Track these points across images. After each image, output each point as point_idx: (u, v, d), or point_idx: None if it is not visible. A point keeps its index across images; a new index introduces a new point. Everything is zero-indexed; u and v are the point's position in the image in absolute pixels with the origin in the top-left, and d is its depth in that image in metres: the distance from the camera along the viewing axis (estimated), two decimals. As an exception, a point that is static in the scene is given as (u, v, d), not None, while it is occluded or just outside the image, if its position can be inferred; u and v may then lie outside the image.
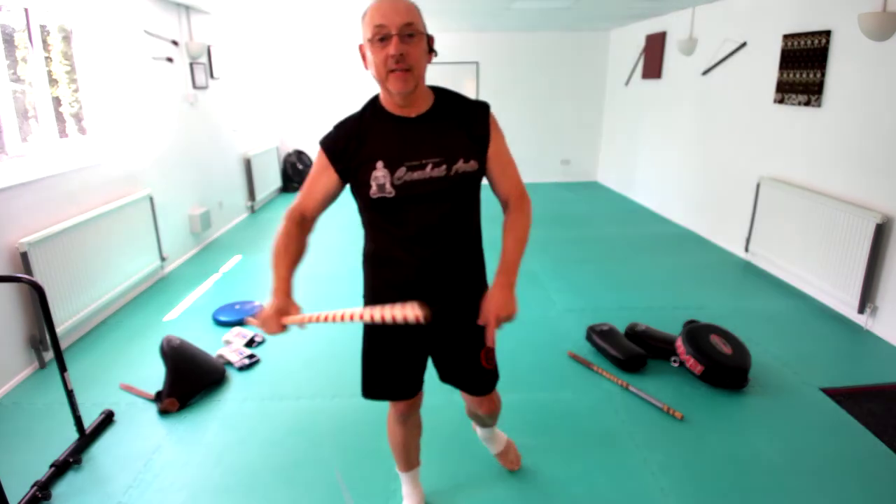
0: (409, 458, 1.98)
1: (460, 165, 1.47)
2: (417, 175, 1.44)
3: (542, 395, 2.81)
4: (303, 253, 1.54)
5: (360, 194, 1.50)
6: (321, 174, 1.51)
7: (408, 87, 1.38)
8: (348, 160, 1.47)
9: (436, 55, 1.48)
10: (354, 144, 1.47)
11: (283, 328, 1.39)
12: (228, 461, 2.36)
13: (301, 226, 1.54)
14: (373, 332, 1.67)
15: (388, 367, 1.70)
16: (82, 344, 3.40)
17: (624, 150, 7.61)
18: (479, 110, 1.53)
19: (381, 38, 1.35)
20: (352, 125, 1.50)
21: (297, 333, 3.57)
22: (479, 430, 2.28)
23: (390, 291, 1.55)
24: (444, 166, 1.45)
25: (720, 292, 4.11)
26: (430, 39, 1.44)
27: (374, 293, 1.63)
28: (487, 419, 1.98)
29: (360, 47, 1.44)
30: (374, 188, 1.45)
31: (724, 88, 5.11)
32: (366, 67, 1.45)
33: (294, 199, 1.57)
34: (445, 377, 1.76)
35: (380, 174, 1.44)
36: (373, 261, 1.61)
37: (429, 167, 1.44)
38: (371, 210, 1.52)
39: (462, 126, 1.50)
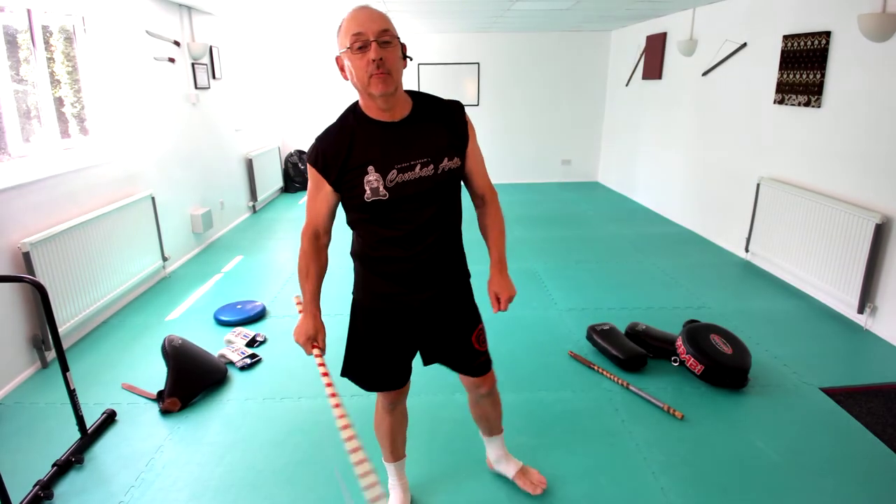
0: (396, 448, 2.00)
1: (446, 163, 1.55)
2: (408, 176, 1.51)
3: (542, 394, 2.82)
4: (324, 267, 1.69)
5: (354, 198, 1.54)
6: (318, 190, 1.57)
7: (388, 88, 1.44)
8: (338, 170, 1.51)
9: (410, 60, 1.56)
10: (343, 153, 1.50)
11: (310, 352, 1.66)
12: (230, 461, 2.37)
13: (316, 242, 1.65)
14: (360, 326, 1.75)
15: (378, 361, 1.77)
16: (84, 344, 3.41)
17: (624, 151, 7.61)
18: (457, 110, 1.61)
19: (360, 45, 1.42)
20: (335, 135, 1.53)
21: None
22: (490, 454, 2.23)
23: (384, 286, 1.66)
24: (431, 166, 1.53)
25: (720, 292, 4.12)
26: (403, 46, 1.50)
27: (367, 288, 1.71)
28: (490, 409, 2.04)
29: (338, 59, 1.50)
30: (368, 192, 1.50)
31: (725, 89, 5.12)
32: (345, 78, 1.52)
33: (306, 219, 1.64)
34: (431, 359, 1.84)
35: (372, 178, 1.49)
36: (364, 259, 1.67)
37: (417, 167, 1.51)
38: (364, 212, 1.56)
39: (443, 125, 1.58)
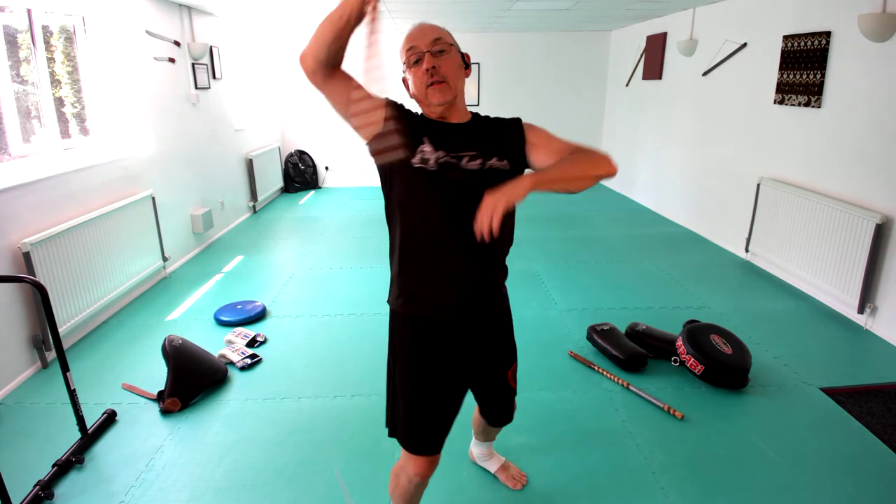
0: None
1: (493, 162, 1.48)
2: (455, 161, 1.45)
3: (543, 394, 2.82)
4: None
5: (400, 165, 1.45)
6: (374, 99, 1.43)
7: (446, 97, 1.46)
8: (402, 123, 1.45)
9: (467, 68, 1.55)
10: (410, 121, 1.48)
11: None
12: (230, 461, 2.37)
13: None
14: (415, 369, 1.57)
15: (436, 410, 1.59)
16: (84, 344, 3.41)
17: (624, 151, 7.61)
18: (513, 122, 1.57)
19: (415, 59, 1.46)
20: (410, 111, 1.53)
21: (300, 333, 3.57)
22: (475, 450, 2.29)
23: (427, 293, 1.51)
24: (479, 160, 1.47)
25: (720, 292, 4.12)
26: (464, 56, 1.53)
27: (408, 292, 1.55)
28: (495, 431, 2.11)
29: (403, 80, 1.53)
30: (417, 158, 1.44)
31: (725, 89, 5.12)
32: (410, 96, 1.53)
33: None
34: (485, 409, 1.80)
35: (427, 149, 1.45)
36: (407, 258, 1.53)
37: (465, 159, 1.46)
38: (407, 181, 1.47)
39: (497, 136, 1.53)
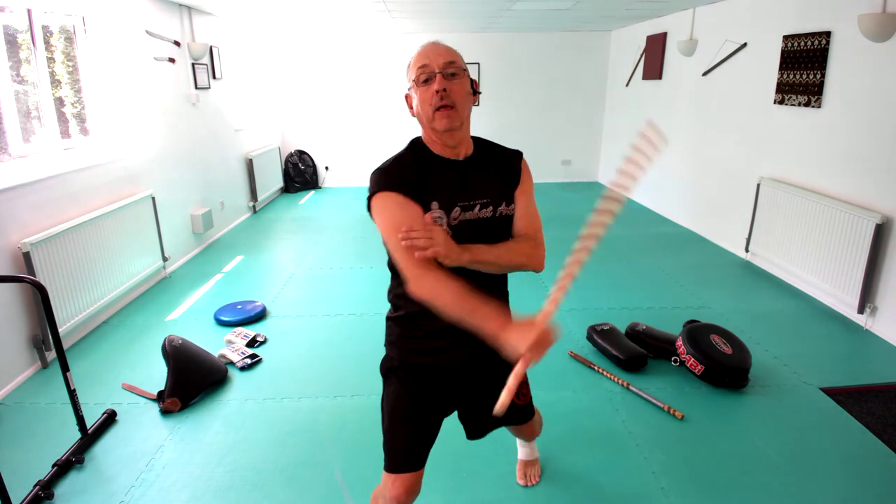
0: None
1: (503, 208, 1.49)
2: (469, 215, 1.45)
3: (543, 394, 2.81)
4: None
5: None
6: (406, 212, 1.38)
7: (453, 123, 1.40)
8: (415, 193, 1.41)
9: (479, 94, 1.48)
10: (414, 180, 1.43)
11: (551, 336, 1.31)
12: (230, 461, 2.37)
13: (439, 267, 1.38)
14: (391, 386, 1.63)
15: (405, 420, 1.60)
16: (84, 344, 3.41)
17: (624, 151, 7.59)
18: (514, 157, 1.56)
19: (425, 78, 1.40)
20: (398, 164, 1.45)
21: (300, 333, 3.57)
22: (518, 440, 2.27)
23: (432, 340, 1.55)
24: (490, 207, 1.47)
25: (720, 292, 4.12)
26: (473, 82, 1.48)
27: (403, 346, 1.60)
28: (527, 435, 2.09)
29: (407, 97, 1.48)
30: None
31: (725, 89, 5.12)
32: (412, 114, 1.48)
33: (404, 269, 1.38)
34: (476, 432, 1.73)
35: (437, 214, 1.42)
36: (405, 315, 1.55)
37: (477, 207, 1.46)
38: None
39: (500, 172, 1.52)
